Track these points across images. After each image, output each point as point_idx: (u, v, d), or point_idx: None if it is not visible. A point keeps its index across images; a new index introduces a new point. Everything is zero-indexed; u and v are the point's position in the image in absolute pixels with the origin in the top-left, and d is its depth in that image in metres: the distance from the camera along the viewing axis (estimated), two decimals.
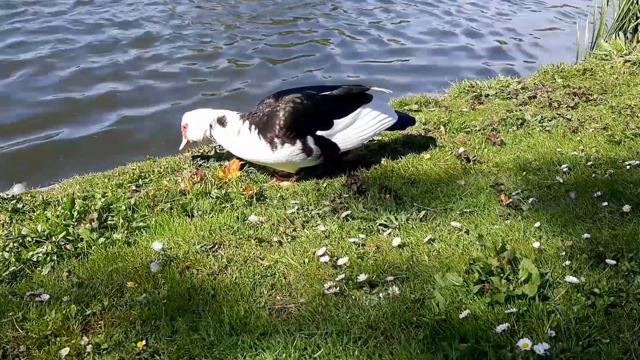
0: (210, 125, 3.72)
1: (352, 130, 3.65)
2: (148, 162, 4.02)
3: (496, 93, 5.12)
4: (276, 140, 3.50)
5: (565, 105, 4.63)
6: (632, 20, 6.89)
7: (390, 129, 3.83)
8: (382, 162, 3.76)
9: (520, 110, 4.54)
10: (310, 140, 3.55)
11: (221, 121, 3.72)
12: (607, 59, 6.09)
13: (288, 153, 3.51)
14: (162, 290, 2.51)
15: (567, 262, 2.40)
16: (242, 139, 3.61)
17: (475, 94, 5.09)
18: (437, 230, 2.88)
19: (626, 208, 2.81)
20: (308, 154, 3.55)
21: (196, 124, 3.78)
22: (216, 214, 3.23)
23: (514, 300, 2.16)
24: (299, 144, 3.51)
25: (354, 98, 3.69)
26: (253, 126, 3.57)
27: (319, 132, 3.58)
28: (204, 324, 2.27)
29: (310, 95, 3.62)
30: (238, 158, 3.79)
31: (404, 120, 3.90)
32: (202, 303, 2.42)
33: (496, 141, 3.90)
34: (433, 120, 4.37)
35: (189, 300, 2.44)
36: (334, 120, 3.60)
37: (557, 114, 4.36)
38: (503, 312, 2.12)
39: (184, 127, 3.82)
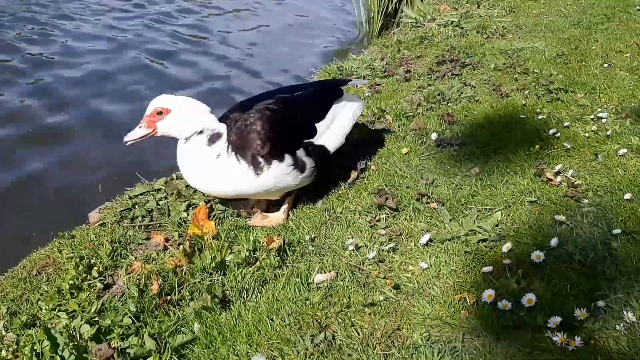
0: (200, 132, 2.63)
1: (335, 129, 3.05)
2: (65, 242, 2.77)
3: (370, 73, 4.93)
4: (260, 159, 2.69)
5: (450, 73, 4.68)
6: None
7: None
8: (371, 166, 3.26)
9: (429, 85, 4.42)
10: (300, 152, 2.83)
11: (215, 138, 2.66)
12: (419, 26, 6.39)
13: (277, 174, 2.74)
14: None
15: None
16: (217, 166, 2.66)
17: (356, 75, 4.81)
18: None
19: None
20: (301, 170, 2.83)
21: (186, 116, 2.61)
22: (260, 289, 2.37)
23: None
24: (288, 159, 2.76)
25: (329, 93, 3.12)
26: (230, 147, 2.69)
27: (306, 140, 2.90)
28: None
29: (285, 98, 2.91)
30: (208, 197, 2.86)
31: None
32: None
33: (451, 120, 3.72)
34: (372, 109, 3.97)
35: None
36: (318, 123, 2.97)
37: (461, 83, 4.37)
38: None
39: (160, 112, 2.58)
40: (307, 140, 2.89)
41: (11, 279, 2.60)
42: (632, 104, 3.67)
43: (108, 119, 5.19)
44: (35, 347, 2.08)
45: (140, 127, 2.60)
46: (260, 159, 2.69)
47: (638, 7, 6.13)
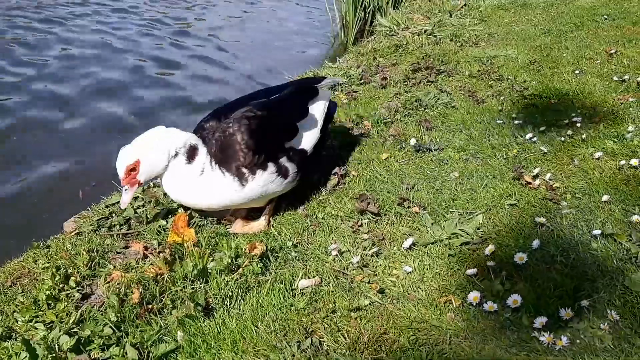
0: (175, 155, 2.56)
1: (309, 127, 3.02)
2: (40, 252, 2.69)
3: (347, 80, 4.94)
4: (244, 170, 2.66)
5: (426, 80, 4.72)
6: None
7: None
8: (352, 172, 3.26)
9: (405, 92, 4.45)
10: (283, 159, 2.80)
11: (192, 153, 2.59)
12: (394, 34, 6.45)
13: (262, 183, 2.71)
14: None
15: None
16: (204, 181, 2.62)
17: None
18: None
19: None
20: (285, 176, 2.80)
21: (156, 152, 2.52)
22: (244, 296, 2.33)
23: None
24: (271, 166, 2.74)
25: (306, 94, 3.11)
26: (213, 160, 2.65)
27: (287, 144, 2.88)
28: None
29: (263, 104, 2.87)
30: (185, 208, 2.82)
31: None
32: None
33: (428, 126, 3.74)
34: (350, 115, 3.97)
35: None
36: (298, 124, 2.95)
37: (438, 90, 4.41)
38: None
39: (132, 168, 2.49)
40: (288, 145, 2.87)
41: None
42: (605, 109, 3.74)
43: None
44: None
45: (125, 190, 2.54)
46: (244, 170, 2.65)
47: (605, 17, 6.28)
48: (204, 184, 2.62)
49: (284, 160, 2.80)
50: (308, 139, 2.98)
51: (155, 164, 2.53)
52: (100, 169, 4.26)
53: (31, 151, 4.78)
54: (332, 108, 3.36)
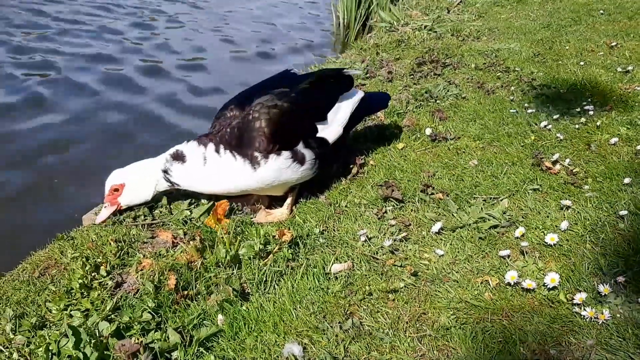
0: (165, 171, 2.79)
1: (335, 120, 3.00)
2: (65, 243, 2.67)
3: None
4: (256, 154, 2.68)
5: (432, 73, 4.76)
6: None
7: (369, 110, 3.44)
8: (370, 162, 3.27)
9: (414, 85, 4.48)
10: (299, 145, 2.79)
11: (178, 157, 2.78)
12: (394, 30, 6.48)
13: (276, 167, 2.71)
14: None
15: None
16: (211, 168, 2.71)
17: None
18: None
19: None
20: (301, 163, 2.79)
21: (139, 180, 2.82)
22: (279, 280, 2.34)
23: None
24: (285, 152, 2.73)
25: (338, 84, 3.09)
26: (222, 147, 2.69)
27: (310, 133, 2.88)
28: None
29: (286, 93, 2.85)
30: (213, 196, 2.83)
31: (375, 99, 3.48)
32: None
33: (442, 116, 3.77)
34: None
35: None
36: (328, 113, 2.95)
37: (446, 82, 4.45)
38: None
39: (116, 190, 2.83)
40: (308, 133, 2.87)
41: (12, 281, 2.49)
42: (614, 97, 3.80)
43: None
44: (50, 347, 2.00)
45: (105, 206, 2.86)
46: (257, 154, 2.67)
47: (601, 12, 6.37)
48: (211, 170, 2.72)
49: (300, 147, 2.79)
50: (330, 129, 2.97)
51: (139, 193, 2.84)
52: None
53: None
54: (373, 101, 3.39)
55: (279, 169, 2.72)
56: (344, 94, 3.09)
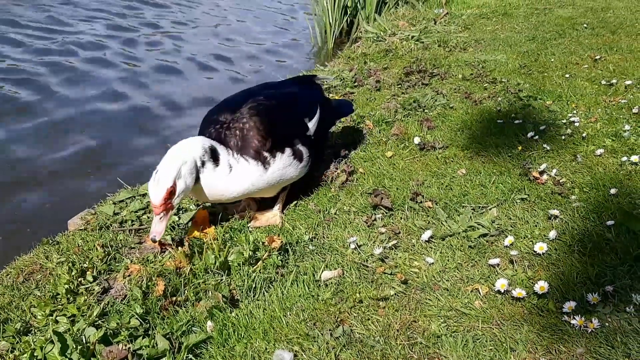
0: (201, 164, 2.51)
1: (313, 116, 3.07)
2: (50, 248, 2.63)
3: (340, 83, 4.98)
4: (265, 154, 2.68)
5: (420, 83, 4.79)
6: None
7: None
8: (359, 169, 3.28)
9: (402, 94, 4.51)
10: (296, 142, 2.85)
11: (215, 154, 2.57)
12: (381, 40, 6.52)
13: (282, 165, 2.75)
14: None
15: None
16: (234, 175, 2.62)
17: (326, 85, 4.85)
18: None
19: None
20: (300, 159, 2.85)
21: (187, 170, 2.46)
22: (269, 287, 2.32)
23: None
24: (288, 150, 2.79)
25: (309, 86, 3.27)
26: (233, 152, 2.66)
27: (298, 130, 2.93)
28: None
29: (272, 95, 2.92)
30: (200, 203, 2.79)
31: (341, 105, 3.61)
32: None
33: (430, 125, 3.79)
34: (350, 116, 3.99)
35: None
36: (310, 115, 3.03)
37: (434, 91, 4.48)
38: None
39: (172, 193, 2.39)
40: (298, 131, 2.91)
41: None
42: (599, 109, 3.85)
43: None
44: (35, 354, 1.96)
45: (160, 218, 2.40)
46: (266, 154, 2.69)
47: (585, 25, 6.47)
48: (234, 178, 2.63)
49: (297, 143, 2.85)
50: (311, 125, 3.01)
51: (188, 182, 2.47)
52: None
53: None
54: (344, 107, 3.53)
55: (284, 167, 2.76)
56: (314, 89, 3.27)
